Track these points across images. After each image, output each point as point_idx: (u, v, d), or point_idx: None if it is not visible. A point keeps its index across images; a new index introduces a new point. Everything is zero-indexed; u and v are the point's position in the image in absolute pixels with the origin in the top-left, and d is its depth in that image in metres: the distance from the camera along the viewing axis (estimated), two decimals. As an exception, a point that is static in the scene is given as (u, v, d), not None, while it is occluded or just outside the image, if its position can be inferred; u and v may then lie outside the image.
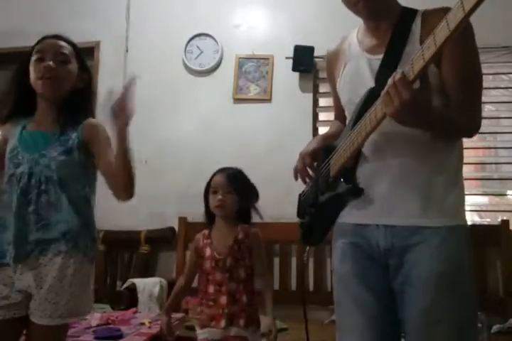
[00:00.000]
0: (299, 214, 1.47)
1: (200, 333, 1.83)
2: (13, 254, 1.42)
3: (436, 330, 1.13)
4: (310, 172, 1.37)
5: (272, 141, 3.16)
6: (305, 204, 1.42)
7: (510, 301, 2.64)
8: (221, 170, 1.93)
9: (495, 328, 2.43)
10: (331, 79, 1.45)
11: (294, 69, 3.14)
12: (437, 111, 1.13)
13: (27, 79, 1.51)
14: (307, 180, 1.39)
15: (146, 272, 3.11)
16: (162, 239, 3.14)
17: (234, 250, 1.84)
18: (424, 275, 1.15)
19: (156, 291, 2.84)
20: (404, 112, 0.99)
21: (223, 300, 1.80)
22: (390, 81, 1.00)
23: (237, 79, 3.27)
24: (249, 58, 3.28)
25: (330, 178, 1.28)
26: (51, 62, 1.47)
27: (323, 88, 3.19)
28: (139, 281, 2.89)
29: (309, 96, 3.19)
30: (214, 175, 1.93)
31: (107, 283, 3.17)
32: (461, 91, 1.16)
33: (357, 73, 1.29)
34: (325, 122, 3.16)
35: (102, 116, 1.48)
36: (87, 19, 3.46)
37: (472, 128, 1.21)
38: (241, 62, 3.28)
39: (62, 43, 1.53)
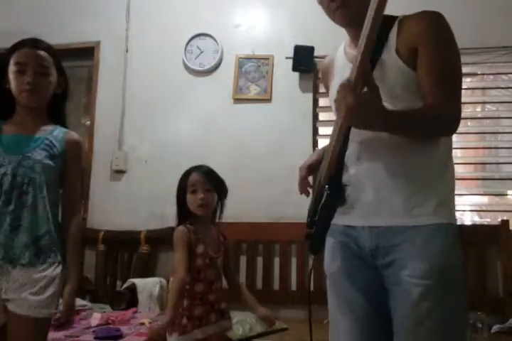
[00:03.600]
0: (308, 224, 1.48)
1: (180, 339, 1.70)
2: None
3: (424, 329, 1.13)
4: (309, 184, 1.42)
5: (272, 141, 3.16)
6: (310, 214, 1.44)
7: (510, 301, 2.65)
8: (195, 169, 1.87)
9: (495, 328, 2.43)
10: (328, 90, 1.49)
11: (294, 69, 3.14)
12: (397, 113, 1.12)
13: (3, 81, 1.56)
14: (309, 191, 1.42)
15: (146, 272, 3.10)
16: (162, 239, 3.12)
17: (221, 249, 1.85)
18: (410, 275, 1.15)
19: (156, 291, 2.84)
20: (351, 115, 1.03)
21: (212, 297, 1.78)
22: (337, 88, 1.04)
23: (237, 79, 3.26)
24: (249, 58, 3.28)
25: (321, 187, 1.29)
26: (32, 77, 1.53)
27: (324, 88, 3.18)
28: (138, 281, 2.89)
29: (309, 96, 3.19)
30: (188, 174, 1.86)
31: (107, 283, 3.17)
32: (436, 93, 1.16)
33: None
34: (325, 122, 3.16)
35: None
36: (87, 19, 3.46)
37: (450, 127, 1.19)
38: (241, 62, 3.28)
39: (42, 53, 1.57)
